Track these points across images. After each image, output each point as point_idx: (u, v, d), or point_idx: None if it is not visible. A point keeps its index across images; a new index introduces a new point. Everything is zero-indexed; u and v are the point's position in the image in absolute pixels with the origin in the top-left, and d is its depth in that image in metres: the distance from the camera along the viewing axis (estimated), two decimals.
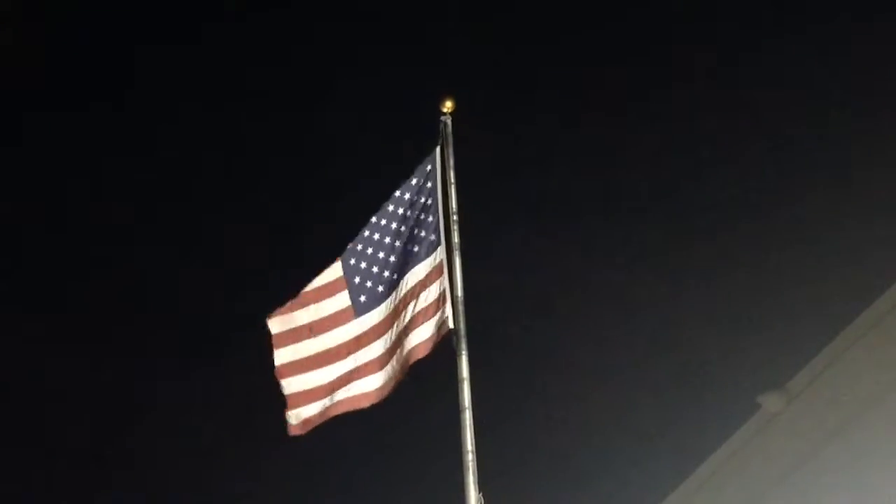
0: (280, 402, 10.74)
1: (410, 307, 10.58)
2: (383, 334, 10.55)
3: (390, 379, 10.45)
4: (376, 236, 10.93)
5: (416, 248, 10.78)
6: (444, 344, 10.36)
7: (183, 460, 24.46)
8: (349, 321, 10.69)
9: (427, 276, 10.61)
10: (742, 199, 22.36)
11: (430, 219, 10.82)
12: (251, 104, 26.51)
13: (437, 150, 11.15)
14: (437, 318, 10.45)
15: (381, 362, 10.48)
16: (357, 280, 10.79)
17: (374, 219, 11.04)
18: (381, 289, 10.74)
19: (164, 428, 25.03)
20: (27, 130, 26.61)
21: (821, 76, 22.37)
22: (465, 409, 9.80)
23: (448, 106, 11.34)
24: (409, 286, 10.65)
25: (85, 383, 25.25)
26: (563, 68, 25.05)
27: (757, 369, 17.17)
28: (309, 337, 10.77)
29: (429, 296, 10.54)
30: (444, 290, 10.49)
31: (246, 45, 26.25)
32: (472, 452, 9.59)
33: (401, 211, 10.94)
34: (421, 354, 10.46)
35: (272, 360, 10.89)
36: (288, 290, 11.11)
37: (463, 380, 9.95)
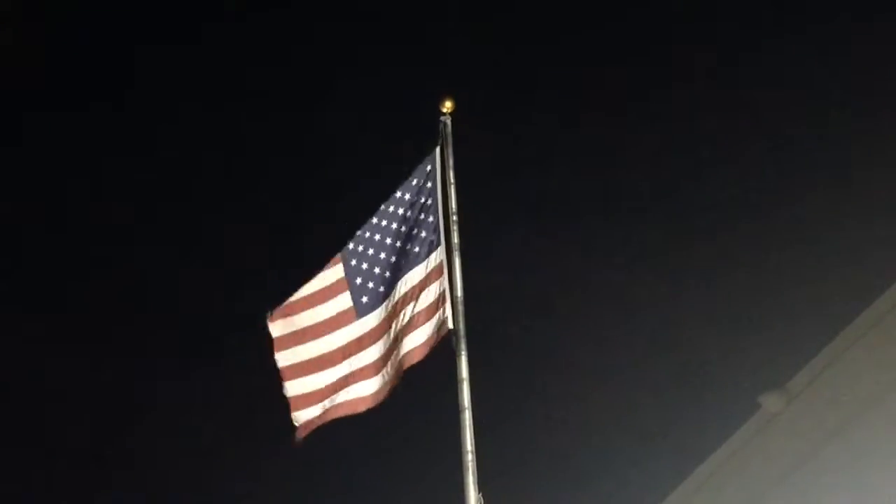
0: (280, 402, 10.75)
1: (410, 308, 10.57)
2: (381, 337, 10.54)
3: (385, 384, 10.45)
4: (377, 237, 10.92)
5: (416, 249, 10.77)
6: (443, 344, 10.36)
7: (183, 460, 24.47)
8: (351, 322, 10.67)
9: (427, 276, 10.60)
10: (742, 199, 22.37)
11: (430, 219, 10.81)
12: (251, 104, 26.51)
13: (437, 150, 11.15)
14: (436, 319, 10.44)
15: (377, 367, 10.47)
16: (359, 281, 10.78)
17: (374, 219, 11.03)
18: (381, 289, 10.73)
19: (164, 428, 25.04)
20: (27, 130, 26.62)
21: (821, 76, 22.38)
22: (464, 409, 9.80)
23: (448, 106, 11.34)
24: (409, 287, 10.64)
25: (85, 383, 25.26)
26: (563, 68, 25.06)
27: (757, 369, 17.18)
28: (310, 339, 10.76)
29: (428, 296, 10.53)
30: (443, 291, 10.48)
31: (246, 45, 26.26)
32: (472, 453, 9.59)
33: (401, 211, 10.93)
34: (415, 359, 10.46)
35: (272, 361, 10.88)
36: (288, 291, 11.11)
37: (462, 380, 9.95)
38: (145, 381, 25.77)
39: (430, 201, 10.87)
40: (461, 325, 10.25)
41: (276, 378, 10.86)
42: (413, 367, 10.51)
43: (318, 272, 11.05)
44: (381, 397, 10.46)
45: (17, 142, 26.42)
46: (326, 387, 10.55)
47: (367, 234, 10.97)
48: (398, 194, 11.02)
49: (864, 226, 18.35)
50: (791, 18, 23.04)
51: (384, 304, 10.65)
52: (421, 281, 10.61)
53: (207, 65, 26.52)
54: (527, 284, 23.17)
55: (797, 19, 22.77)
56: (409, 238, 10.83)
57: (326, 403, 10.51)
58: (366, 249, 10.90)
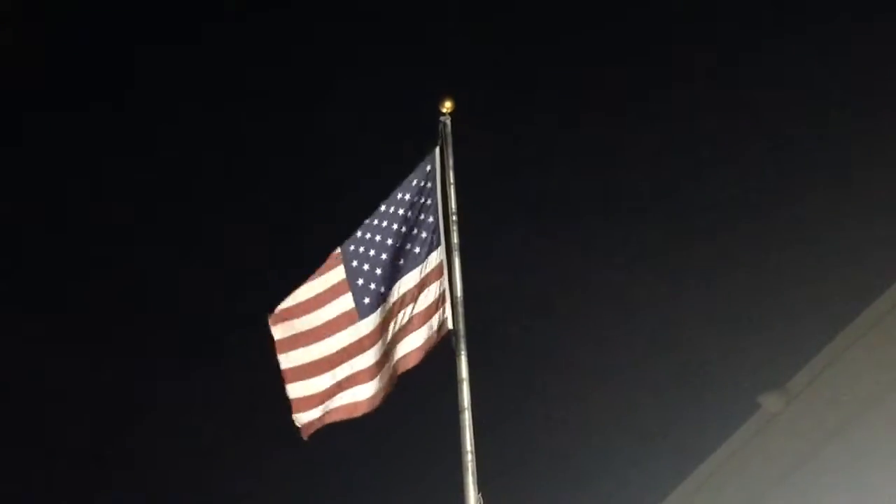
0: (280, 402, 10.75)
1: (409, 308, 10.56)
2: (379, 339, 10.54)
3: (381, 389, 10.45)
4: (378, 237, 10.91)
5: (416, 249, 10.76)
6: (443, 344, 10.35)
7: (183, 460, 24.47)
8: (354, 323, 10.66)
9: (426, 276, 10.59)
10: (742, 199, 22.36)
11: (430, 219, 10.80)
12: (251, 104, 26.50)
13: (437, 150, 11.14)
14: (434, 321, 10.43)
15: (374, 371, 10.47)
16: (360, 282, 10.77)
17: (374, 220, 11.02)
18: (382, 290, 10.72)
19: (164, 428, 25.04)
20: (27, 130, 26.60)
21: (821, 76, 22.37)
22: (464, 409, 9.79)
23: (447, 106, 11.33)
24: (408, 287, 10.63)
25: (85, 383, 25.26)
26: (563, 68, 25.04)
27: (757, 369, 17.18)
28: (313, 342, 10.75)
29: (428, 296, 10.52)
30: (443, 291, 10.48)
31: (246, 45, 26.24)
32: (472, 453, 9.58)
33: (401, 212, 10.92)
34: (410, 364, 10.45)
35: (273, 361, 10.89)
36: (288, 291, 11.10)
37: (462, 380, 9.94)
38: (145, 381, 25.78)
39: (429, 201, 10.86)
40: (461, 325, 10.24)
41: (276, 378, 10.87)
42: (413, 368, 10.50)
43: (318, 272, 11.05)
44: (376, 402, 10.46)
45: (17, 142, 26.42)
46: (326, 389, 10.55)
47: (369, 235, 10.96)
48: (398, 195, 11.01)
49: (864, 226, 18.36)
50: (791, 18, 23.05)
51: (384, 304, 10.65)
52: (419, 282, 10.60)
53: (207, 65, 26.52)
54: (527, 284, 23.17)
55: (797, 19, 22.77)
56: (409, 238, 10.82)
57: (325, 406, 10.52)
58: (367, 250, 10.89)
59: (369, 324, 10.59)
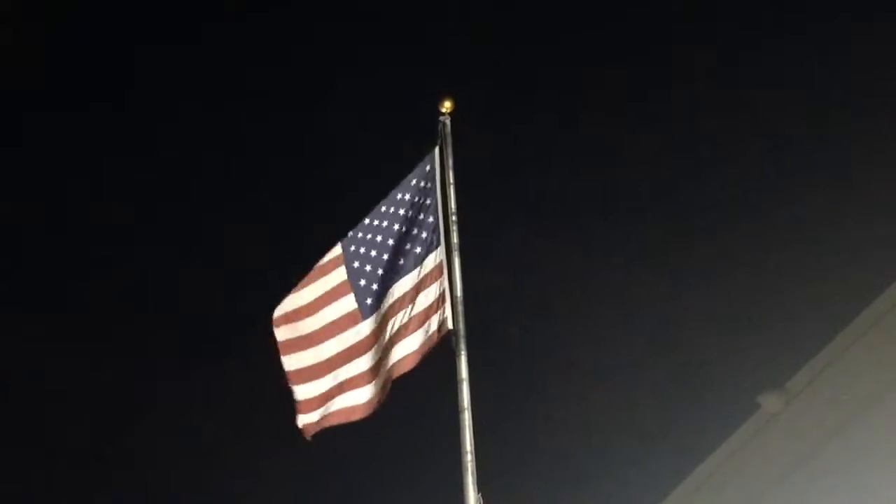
0: (280, 403, 10.77)
1: (408, 309, 10.56)
2: (376, 342, 10.54)
3: (376, 394, 10.45)
4: (379, 238, 10.90)
5: (416, 249, 10.77)
6: (443, 344, 10.35)
7: (183, 460, 24.47)
8: (357, 324, 10.66)
9: (426, 276, 10.59)
10: (742, 199, 22.35)
11: (430, 219, 10.80)
12: (251, 104, 26.47)
13: (436, 149, 11.15)
14: (434, 320, 10.43)
15: (370, 375, 10.47)
16: (362, 283, 10.76)
17: (375, 221, 11.01)
18: (383, 290, 10.73)
19: (164, 428, 25.03)
20: (27, 130, 26.58)
21: (821, 76, 22.36)
22: (464, 409, 9.79)
23: (447, 106, 11.34)
24: (407, 288, 10.63)
25: (85, 383, 25.25)
26: (563, 68, 25.02)
27: (757, 369, 17.17)
28: (317, 343, 10.75)
29: (427, 297, 10.52)
30: (443, 291, 10.47)
31: (246, 45, 26.22)
32: (471, 453, 9.58)
33: (402, 212, 10.92)
34: (406, 369, 10.44)
35: (273, 361, 10.90)
36: (288, 291, 11.11)
37: (462, 380, 9.94)
38: (145, 381, 25.76)
39: (429, 201, 10.87)
40: (461, 325, 10.24)
41: (276, 378, 10.88)
42: (413, 368, 10.50)
43: (318, 273, 11.05)
44: (372, 407, 10.46)
45: (17, 142, 26.40)
46: (327, 391, 10.56)
47: (370, 236, 10.95)
48: (397, 194, 11.01)
49: (864, 226, 18.36)
50: (791, 18, 23.03)
51: (383, 305, 10.65)
52: (417, 283, 10.60)
53: (207, 65, 26.50)
54: (527, 284, 23.16)
55: (797, 19, 22.76)
56: (408, 238, 10.82)
57: (326, 409, 10.53)
58: (368, 251, 10.88)
59: (371, 324, 10.60)
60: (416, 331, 10.44)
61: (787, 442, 15.01)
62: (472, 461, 9.56)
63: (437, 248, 10.64)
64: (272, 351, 10.94)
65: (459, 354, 10.09)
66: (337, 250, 11.07)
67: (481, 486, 9.50)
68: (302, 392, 10.67)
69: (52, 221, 26.89)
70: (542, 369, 22.55)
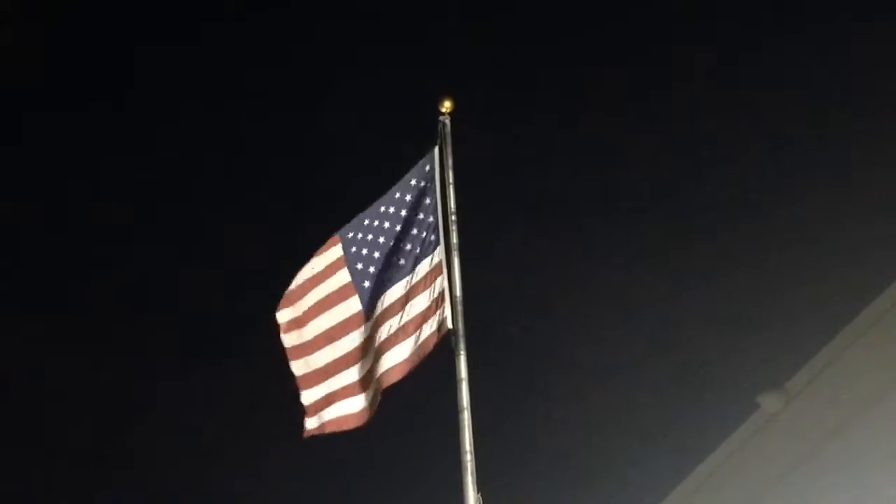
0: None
1: (398, 317, 10.54)
2: (370, 349, 10.53)
3: (369, 404, 10.44)
4: (381, 239, 10.88)
5: (417, 249, 10.76)
6: (443, 344, 10.35)
7: (183, 460, 24.46)
8: (362, 325, 10.64)
9: (418, 283, 10.57)
10: (742, 199, 22.35)
11: (430, 219, 10.79)
12: (251, 104, 26.47)
13: (436, 149, 11.14)
14: (433, 322, 10.42)
15: (361, 385, 10.45)
16: (366, 284, 10.76)
17: (375, 221, 10.99)
18: (383, 290, 10.73)
19: (164, 428, 25.03)
20: (27, 130, 26.59)
21: (821, 76, 22.37)
22: (463, 409, 9.78)
23: (447, 106, 11.33)
24: (398, 296, 10.61)
25: (85, 383, 25.24)
26: (563, 68, 25.02)
27: (756, 369, 17.17)
28: (323, 346, 10.73)
29: (427, 297, 10.52)
30: (443, 291, 10.47)
31: (246, 45, 26.22)
32: (471, 453, 9.58)
33: (402, 212, 10.91)
34: (396, 378, 10.42)
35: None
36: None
37: (462, 380, 9.93)
38: (145, 381, 25.76)
39: (429, 201, 10.86)
40: (460, 325, 10.23)
41: (276, 378, 10.93)
42: (402, 378, 10.48)
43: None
44: (365, 416, 10.45)
45: (17, 142, 26.40)
46: (324, 397, 10.57)
47: (370, 237, 10.94)
48: (396, 194, 10.98)
49: (864, 226, 18.36)
50: (791, 18, 23.04)
51: (381, 305, 10.65)
52: (416, 283, 10.59)
53: (207, 65, 26.50)
54: (526, 284, 23.16)
55: (797, 19, 22.77)
56: (407, 238, 10.81)
57: (320, 417, 10.54)
58: (370, 252, 10.86)
59: (368, 329, 10.60)
60: (405, 340, 10.42)
61: (787, 442, 15.01)
62: (471, 461, 9.55)
63: (436, 248, 10.63)
64: (272, 351, 10.95)
65: (459, 354, 10.08)
66: (338, 251, 11.04)
67: (481, 486, 9.49)
68: (306, 397, 10.69)
69: (52, 221, 26.90)
70: (542, 369, 22.56)
